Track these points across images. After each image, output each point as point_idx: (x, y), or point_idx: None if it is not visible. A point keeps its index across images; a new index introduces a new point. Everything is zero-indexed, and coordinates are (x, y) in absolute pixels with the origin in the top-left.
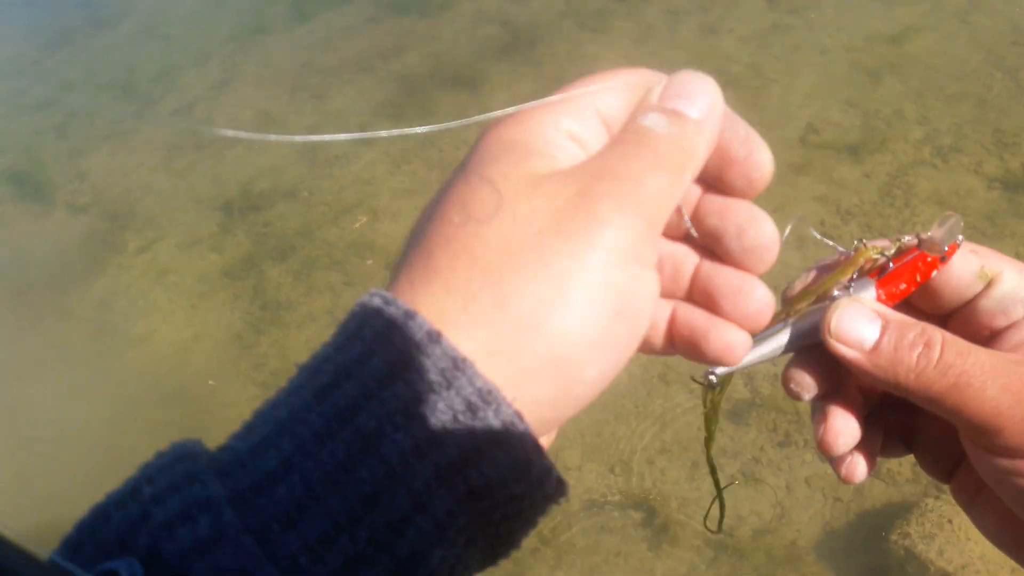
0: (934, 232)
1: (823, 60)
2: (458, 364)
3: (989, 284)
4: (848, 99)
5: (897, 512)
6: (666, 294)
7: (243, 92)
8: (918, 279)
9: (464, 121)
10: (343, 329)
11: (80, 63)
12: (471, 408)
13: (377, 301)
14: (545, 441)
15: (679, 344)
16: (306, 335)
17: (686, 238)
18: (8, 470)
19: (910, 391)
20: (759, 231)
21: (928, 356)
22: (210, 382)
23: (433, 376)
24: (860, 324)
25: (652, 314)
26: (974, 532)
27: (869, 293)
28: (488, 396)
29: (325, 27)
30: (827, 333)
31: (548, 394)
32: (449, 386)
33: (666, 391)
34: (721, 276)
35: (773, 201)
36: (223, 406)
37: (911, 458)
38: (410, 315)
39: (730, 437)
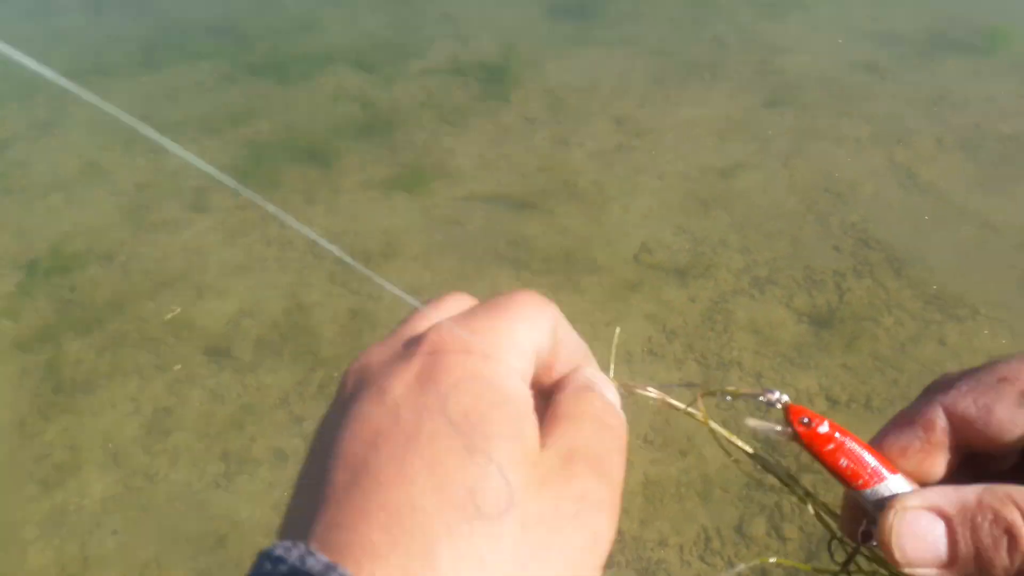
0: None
1: (661, 184)
2: None
3: None
4: (680, 224)
5: None
6: None
7: (69, 137)
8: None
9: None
10: None
11: None
12: None
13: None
14: None
15: None
16: (102, 426)
17: None
18: None
19: None
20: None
21: (1018, 545)
22: None
23: None
24: (922, 535)
25: None
26: None
27: (898, 483)
28: None
29: (174, 79)
30: (894, 556)
31: None
32: None
33: None
34: None
35: (607, 315)
36: None
37: None
38: None
39: None
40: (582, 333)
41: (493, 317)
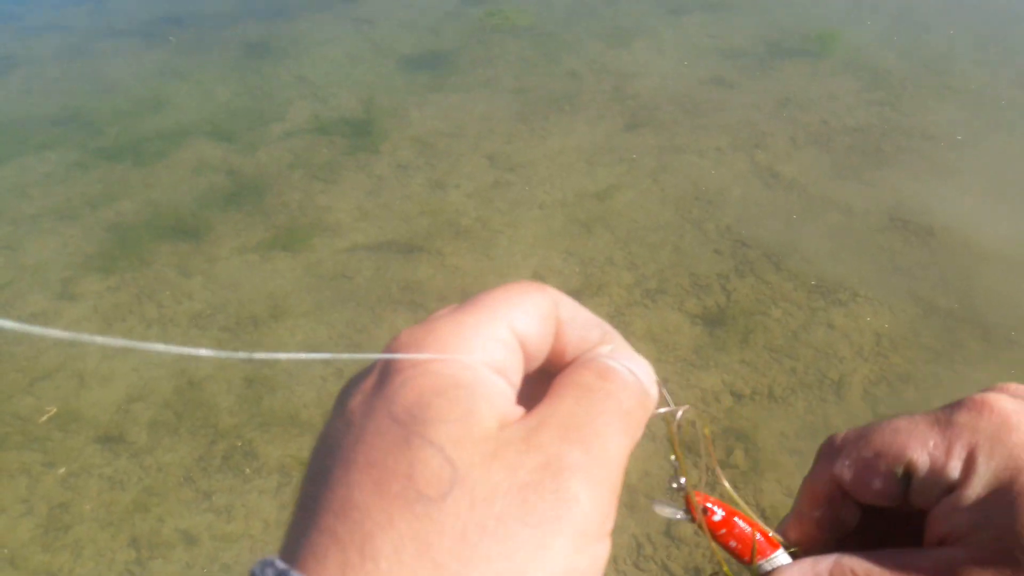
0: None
1: (542, 213)
2: None
3: (908, 475)
4: (567, 248)
5: None
6: None
7: None
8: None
9: (415, 356)
10: None
11: None
12: None
13: None
14: None
15: None
16: None
17: None
18: None
19: None
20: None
21: None
22: None
23: None
24: None
25: None
26: None
27: (780, 557)
28: None
29: (19, 172)
30: None
31: None
32: None
33: None
34: None
35: None
36: None
37: None
38: None
39: None
40: None
41: (458, 312)
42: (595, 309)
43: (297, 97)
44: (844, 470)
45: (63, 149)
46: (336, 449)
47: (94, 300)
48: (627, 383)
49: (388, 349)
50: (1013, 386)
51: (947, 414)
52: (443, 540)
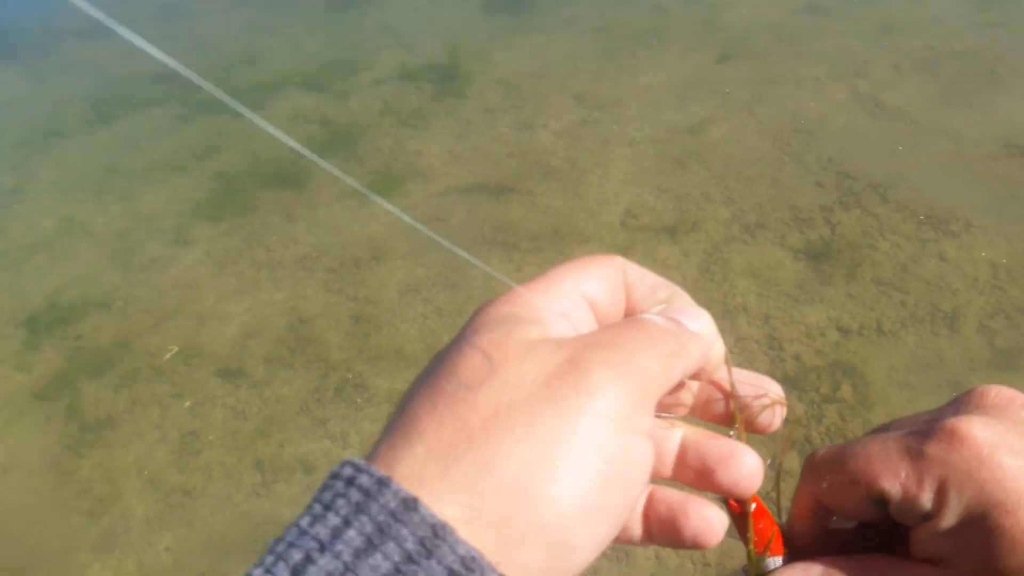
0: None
1: (632, 151)
2: (438, 531)
3: (883, 502)
4: (659, 185)
5: None
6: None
7: (41, 199)
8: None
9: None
10: (316, 501)
11: None
12: None
13: (348, 471)
14: None
15: (656, 527)
16: (134, 454)
17: None
18: None
19: None
20: (741, 464)
21: None
22: None
23: (411, 545)
24: None
25: (645, 483)
26: None
27: (776, 561)
28: (472, 563)
29: (129, 129)
30: None
31: (536, 562)
32: (430, 555)
33: None
34: (710, 445)
35: None
36: (42, 542)
37: None
38: (384, 482)
39: None
40: None
41: (535, 280)
42: (691, 247)
43: (383, 46)
44: (823, 492)
45: (167, 105)
46: (416, 379)
47: (206, 245)
48: (660, 325)
49: (470, 321)
50: (994, 391)
51: (919, 443)
52: (476, 417)
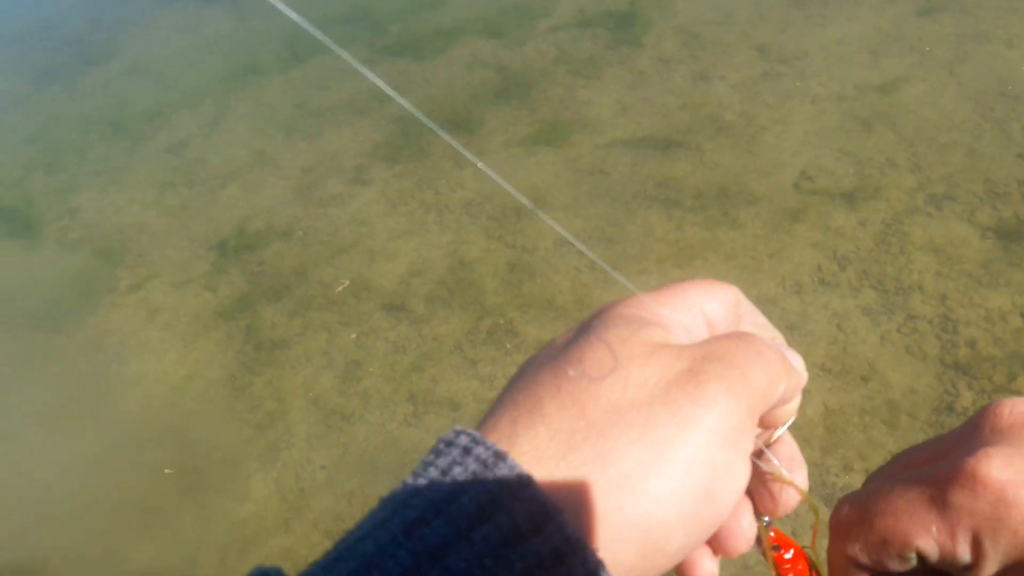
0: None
1: (814, 108)
2: (549, 510)
3: (921, 558)
4: (841, 147)
5: None
6: None
7: (236, 132)
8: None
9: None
10: (431, 465)
11: (70, 99)
12: (558, 555)
13: (464, 440)
14: None
15: None
16: (302, 376)
17: None
18: None
19: None
20: (790, 498)
21: None
22: (167, 471)
23: (522, 520)
24: None
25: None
26: None
27: None
28: (576, 545)
29: (319, 69)
30: None
31: (629, 559)
32: (538, 532)
33: None
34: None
35: (769, 247)
36: (215, 448)
37: None
38: (500, 455)
39: None
40: (743, 267)
41: (667, 286)
42: (869, 216)
43: None
44: (858, 553)
45: (354, 47)
46: (532, 360)
47: (381, 185)
48: (772, 347)
49: (595, 316)
50: (1008, 409)
51: (942, 491)
52: (597, 408)
